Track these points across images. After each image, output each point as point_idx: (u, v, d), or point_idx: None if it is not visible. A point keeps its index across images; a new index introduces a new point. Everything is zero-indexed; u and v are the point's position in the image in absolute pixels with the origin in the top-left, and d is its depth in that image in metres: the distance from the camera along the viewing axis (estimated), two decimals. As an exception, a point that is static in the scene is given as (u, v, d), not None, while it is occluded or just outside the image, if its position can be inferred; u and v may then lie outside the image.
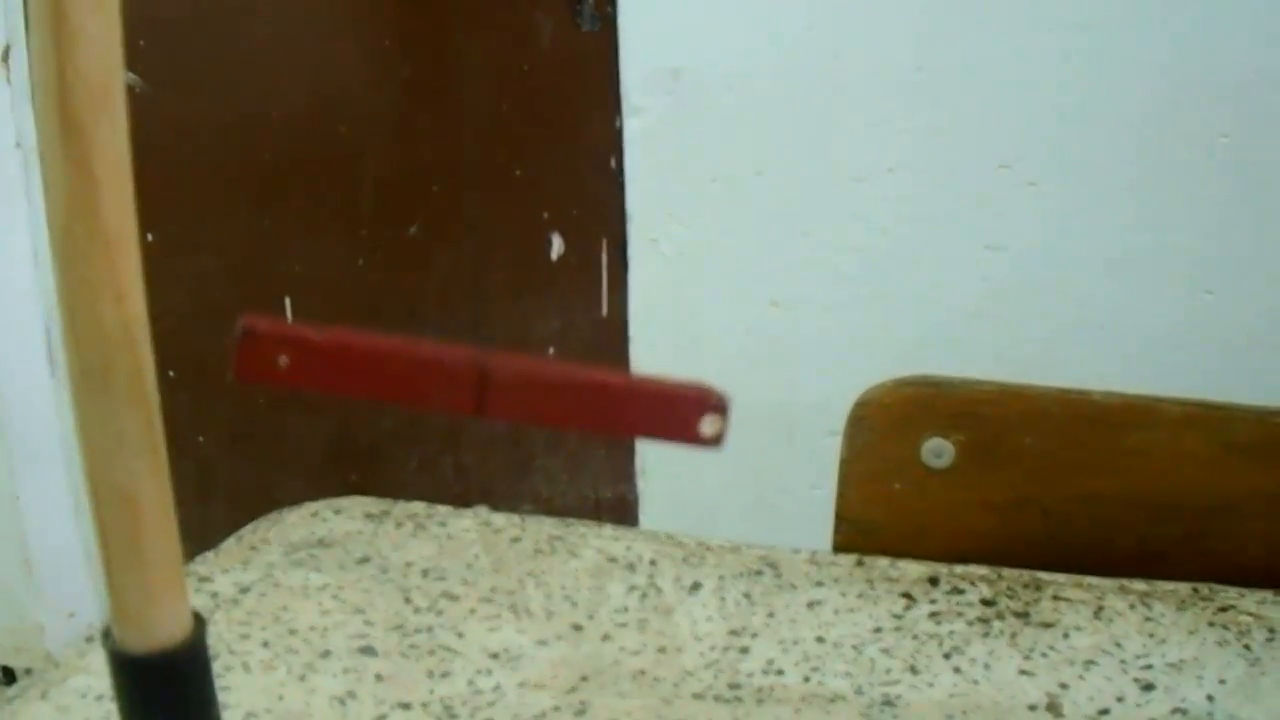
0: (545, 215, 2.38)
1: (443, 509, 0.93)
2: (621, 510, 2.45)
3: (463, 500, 2.40)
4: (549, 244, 2.39)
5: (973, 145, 1.94)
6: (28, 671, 2.48)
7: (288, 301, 2.34)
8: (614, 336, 2.38)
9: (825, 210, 2.03)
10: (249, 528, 0.92)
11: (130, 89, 1.81)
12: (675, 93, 2.07)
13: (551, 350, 2.43)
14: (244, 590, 0.82)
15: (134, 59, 2.21)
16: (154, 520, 0.44)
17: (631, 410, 0.39)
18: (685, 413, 0.39)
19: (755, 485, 2.09)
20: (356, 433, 2.46)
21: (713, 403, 0.39)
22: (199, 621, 0.47)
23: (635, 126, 2.13)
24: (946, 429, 0.88)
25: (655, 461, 2.27)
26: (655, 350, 2.25)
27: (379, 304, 2.41)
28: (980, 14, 1.90)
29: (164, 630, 0.46)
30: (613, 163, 2.32)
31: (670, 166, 2.12)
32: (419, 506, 0.93)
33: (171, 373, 2.22)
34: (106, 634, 0.47)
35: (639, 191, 2.16)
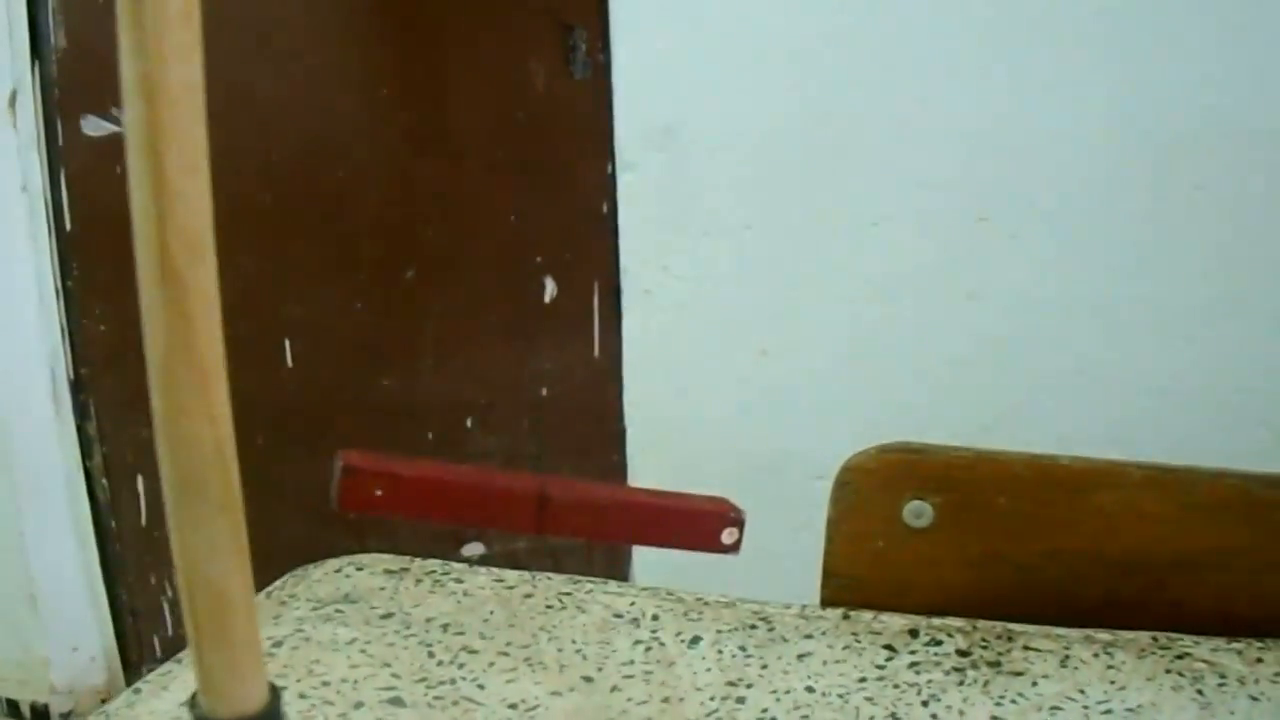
0: (538, 259, 2.44)
1: (457, 566, 1.00)
2: (613, 549, 2.51)
3: (458, 539, 2.45)
4: (542, 287, 2.44)
5: (954, 199, 2.00)
6: (33, 707, 2.51)
7: (287, 344, 2.39)
8: (606, 376, 2.43)
9: (813, 262, 2.09)
10: (278, 584, 0.99)
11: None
12: (667, 149, 2.12)
13: (545, 391, 2.48)
14: (277, 644, 0.89)
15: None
16: (239, 610, 0.51)
17: (665, 525, 0.46)
18: (709, 527, 0.46)
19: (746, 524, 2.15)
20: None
21: (731, 518, 0.46)
22: (274, 692, 0.54)
23: (629, 181, 2.18)
24: (926, 491, 0.95)
25: (647, 501, 2.32)
26: (649, 397, 2.30)
27: (376, 346, 2.46)
28: (964, 71, 1.96)
29: (246, 700, 0.52)
30: (604, 207, 2.37)
31: (663, 220, 2.18)
32: (436, 564, 1.00)
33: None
34: (194, 703, 0.53)
35: (632, 244, 2.21)
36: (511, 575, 0.98)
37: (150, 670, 2.39)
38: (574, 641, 0.89)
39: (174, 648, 2.56)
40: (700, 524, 0.46)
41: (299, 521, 2.44)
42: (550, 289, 2.44)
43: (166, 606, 2.54)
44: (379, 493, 0.45)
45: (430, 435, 2.50)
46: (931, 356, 2.07)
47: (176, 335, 0.48)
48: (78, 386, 2.40)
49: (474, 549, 2.49)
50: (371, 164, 2.42)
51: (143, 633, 2.55)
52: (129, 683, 2.56)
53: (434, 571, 0.99)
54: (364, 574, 0.99)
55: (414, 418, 2.49)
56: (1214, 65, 1.90)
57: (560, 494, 0.45)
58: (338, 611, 0.93)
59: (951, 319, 2.05)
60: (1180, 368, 1.99)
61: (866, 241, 2.05)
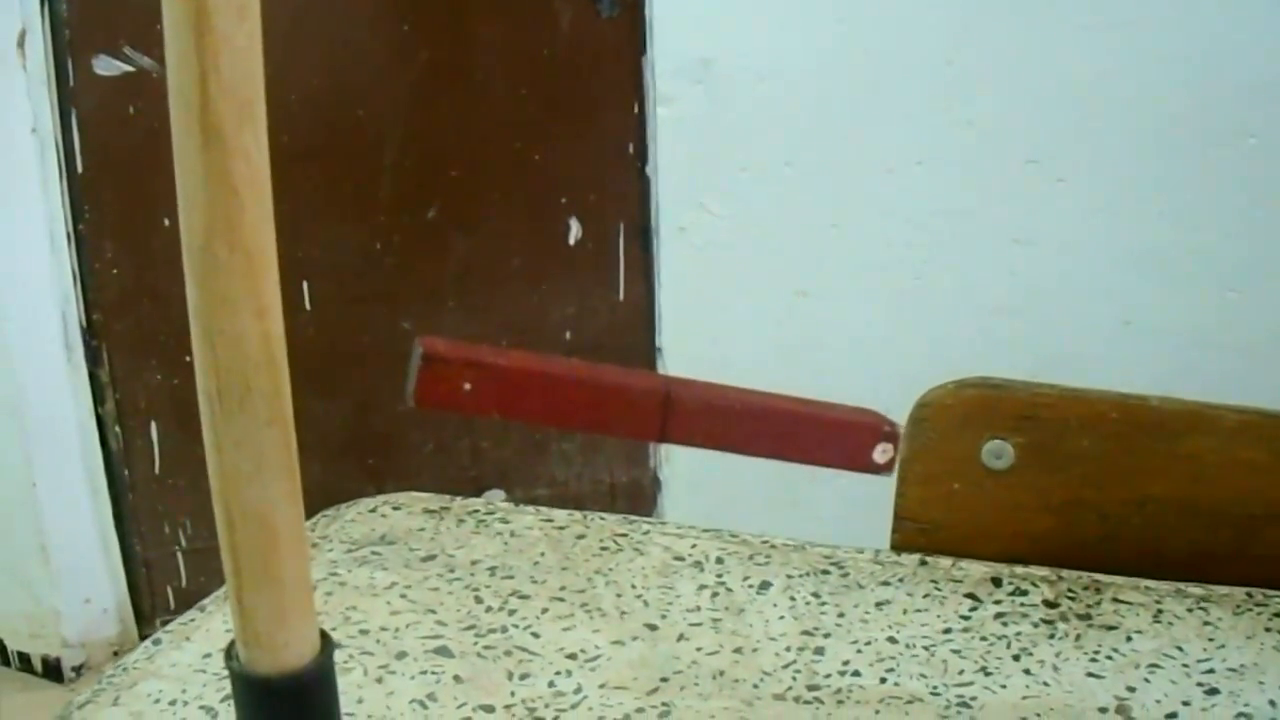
0: (563, 200, 2.39)
1: (502, 505, 0.93)
2: (638, 495, 2.46)
3: (479, 484, 2.41)
4: (567, 229, 2.39)
5: (1002, 140, 1.94)
6: (44, 660, 2.47)
7: (305, 286, 2.34)
8: (631, 321, 2.38)
9: (854, 202, 2.04)
10: (307, 525, 0.92)
11: (148, 73, 1.80)
12: (706, 82, 2.07)
13: (568, 334, 2.43)
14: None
15: (151, 43, 2.20)
16: (288, 542, 0.44)
17: (808, 436, 0.39)
18: (860, 440, 0.39)
19: (781, 473, 2.10)
20: (373, 418, 2.46)
21: (885, 431, 0.39)
22: (326, 641, 0.47)
23: (665, 115, 2.13)
24: (1007, 431, 0.88)
25: (676, 450, 2.28)
26: (684, 338, 2.26)
27: (396, 288, 2.42)
28: (1011, 9, 1.90)
29: (294, 652, 0.45)
30: (631, 148, 2.32)
31: (699, 156, 2.13)
32: (478, 503, 0.93)
33: (187, 358, 2.22)
34: (230, 654, 0.46)
35: (668, 180, 2.16)
36: (560, 515, 0.91)
37: (164, 622, 2.34)
38: (633, 586, 0.82)
39: (188, 599, 2.52)
40: (849, 436, 0.39)
41: (316, 467, 2.40)
42: (575, 231, 2.39)
43: (180, 557, 2.49)
44: (467, 386, 0.38)
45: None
46: (975, 302, 2.02)
47: (220, 211, 0.40)
48: (90, 332, 2.35)
49: (494, 495, 2.44)
50: (392, 102, 2.36)
51: (155, 584, 2.51)
52: (142, 636, 2.51)
53: (476, 511, 0.92)
54: (401, 514, 0.93)
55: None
56: (1272, 11, 1.84)
57: (687, 395, 0.38)
58: (374, 554, 0.87)
59: (997, 264, 2.00)
60: (1229, 318, 1.94)
61: (910, 181, 2.00)
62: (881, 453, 0.40)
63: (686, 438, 0.38)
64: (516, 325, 2.44)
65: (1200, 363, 1.93)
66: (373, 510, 0.94)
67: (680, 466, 2.33)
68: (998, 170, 1.96)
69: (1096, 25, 1.88)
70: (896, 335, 2.07)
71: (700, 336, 2.24)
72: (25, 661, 2.49)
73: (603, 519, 0.90)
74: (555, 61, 2.35)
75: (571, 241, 2.39)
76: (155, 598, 2.52)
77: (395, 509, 0.94)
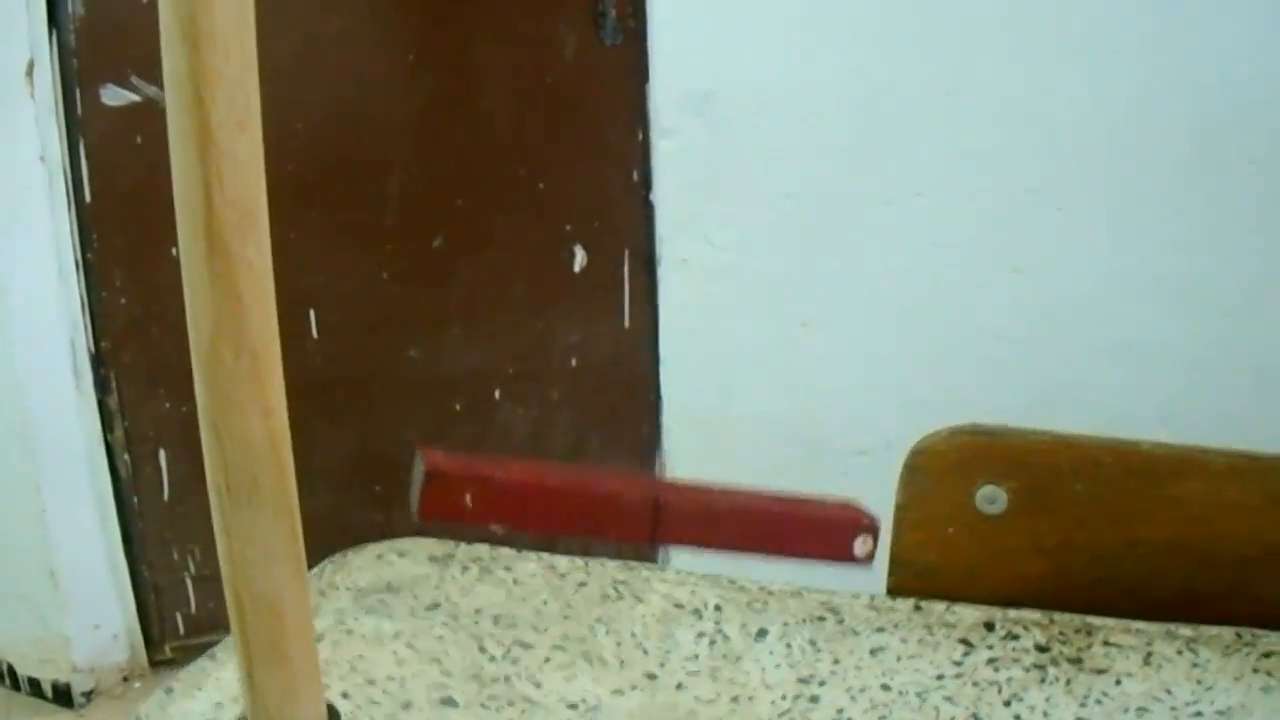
0: (568, 227, 2.40)
1: (505, 552, 0.95)
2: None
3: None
4: (572, 256, 2.40)
5: (1002, 170, 1.95)
6: (55, 685, 2.48)
7: (311, 314, 2.36)
8: (637, 347, 2.39)
9: (855, 233, 2.05)
10: (314, 571, 0.94)
11: (154, 102, 1.82)
12: (707, 114, 2.08)
13: (573, 361, 2.44)
14: (317, 639, 0.84)
15: (158, 74, 2.22)
16: (295, 624, 0.46)
17: (791, 533, 0.41)
18: (840, 534, 0.41)
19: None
20: (379, 445, 2.47)
21: (865, 524, 0.41)
22: (334, 715, 0.49)
23: (666, 147, 2.14)
24: (1000, 476, 0.90)
25: (682, 474, 2.29)
26: (686, 369, 2.27)
27: (402, 316, 2.43)
28: (1010, 39, 1.91)
29: (302, 725, 0.47)
30: (635, 175, 2.33)
31: (701, 187, 2.14)
32: (482, 549, 0.95)
33: (196, 384, 2.22)
34: (244, 728, 0.48)
35: (670, 212, 2.17)
36: (562, 562, 0.93)
37: (174, 649, 2.34)
38: (633, 634, 0.84)
39: (197, 626, 2.54)
40: (829, 532, 0.41)
41: (324, 495, 2.41)
42: (580, 258, 2.40)
43: (189, 583, 2.50)
44: (468, 500, 0.40)
45: (458, 406, 2.47)
46: (976, 331, 2.03)
47: (225, 317, 0.42)
48: (98, 360, 2.37)
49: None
50: (397, 131, 2.38)
51: (165, 610, 2.52)
52: (151, 661, 2.53)
53: (481, 558, 0.94)
54: (406, 560, 0.95)
55: (441, 388, 2.46)
56: (1271, 39, 1.85)
57: (675, 500, 0.40)
58: (380, 602, 0.89)
59: (997, 292, 2.01)
60: (1229, 345, 1.95)
61: (911, 212, 2.01)
62: (861, 545, 0.42)
63: (677, 539, 0.40)
64: (521, 353, 2.45)
65: (1201, 389, 1.94)
66: (379, 557, 0.95)
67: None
68: (998, 200, 1.97)
69: (1095, 54, 1.89)
70: (898, 365, 2.08)
71: (703, 367, 2.25)
72: (35, 687, 2.50)
73: (603, 565, 0.92)
74: (559, 89, 2.36)
75: (576, 269, 2.41)
76: (165, 624, 2.53)
77: (400, 555, 0.95)
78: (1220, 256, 1.93)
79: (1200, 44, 1.86)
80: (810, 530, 0.41)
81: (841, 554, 0.41)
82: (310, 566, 0.95)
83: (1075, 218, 1.95)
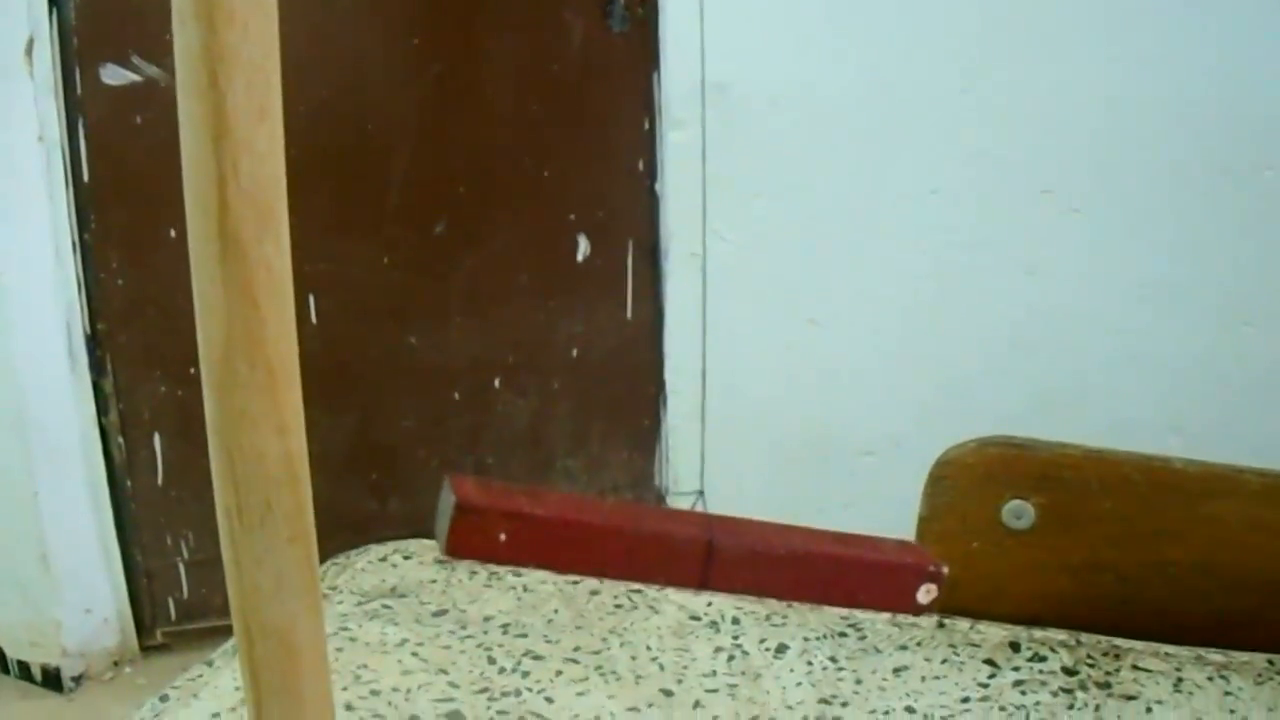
0: (572, 217, 2.38)
1: (514, 557, 0.92)
2: (643, 516, 2.45)
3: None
4: (575, 245, 2.38)
5: (1016, 170, 1.93)
6: (44, 669, 2.46)
7: (311, 300, 2.33)
8: (639, 339, 2.37)
9: (867, 230, 2.02)
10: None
11: (156, 82, 1.78)
12: (719, 106, 2.06)
13: (575, 351, 2.42)
14: (322, 643, 0.81)
15: (159, 52, 2.19)
16: (309, 659, 0.42)
17: (851, 580, 0.38)
18: (903, 582, 0.38)
19: (788, 501, 2.09)
20: (378, 433, 2.45)
21: (930, 572, 0.38)
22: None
23: (677, 139, 2.12)
24: (1028, 491, 0.87)
25: (685, 474, 2.27)
26: (692, 362, 2.24)
27: (403, 303, 2.41)
28: (1027, 39, 1.89)
29: (316, 770, 0.44)
30: (641, 165, 2.30)
31: (711, 181, 2.11)
32: (490, 554, 0.92)
33: (192, 370, 2.20)
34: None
35: (679, 205, 2.15)
36: (574, 570, 0.90)
37: (165, 634, 2.31)
38: (649, 648, 0.81)
39: (189, 611, 2.51)
40: (892, 579, 0.38)
41: (320, 483, 2.38)
42: (583, 248, 2.38)
43: (182, 568, 2.48)
44: (502, 538, 0.37)
45: (457, 395, 2.44)
46: (986, 332, 2.01)
47: (239, 324, 0.38)
48: (94, 342, 2.34)
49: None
50: (401, 116, 2.35)
51: (157, 595, 2.50)
52: (142, 646, 2.50)
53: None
54: (412, 563, 0.91)
55: (441, 377, 2.43)
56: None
57: (729, 542, 0.37)
58: (385, 607, 0.85)
59: (1009, 294, 1.98)
60: (1244, 354, 1.92)
61: (923, 210, 1.98)
62: (925, 593, 0.39)
63: (729, 585, 0.37)
64: (524, 342, 2.42)
65: (1213, 398, 1.92)
66: (383, 559, 0.92)
67: (685, 499, 2.32)
68: (1012, 200, 1.95)
69: (1114, 57, 1.87)
70: (907, 364, 2.05)
71: (709, 361, 2.22)
72: (25, 670, 2.47)
73: (617, 574, 0.89)
74: (565, 76, 2.34)
75: (580, 258, 2.38)
76: (156, 609, 2.51)
77: (406, 558, 0.92)
78: (1235, 263, 1.91)
79: (1221, 49, 1.84)
80: (871, 577, 0.38)
81: (904, 604, 0.39)
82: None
83: (1090, 220, 1.93)
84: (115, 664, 2.49)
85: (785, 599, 0.36)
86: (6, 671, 2.50)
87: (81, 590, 2.44)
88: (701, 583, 0.37)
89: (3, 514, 2.39)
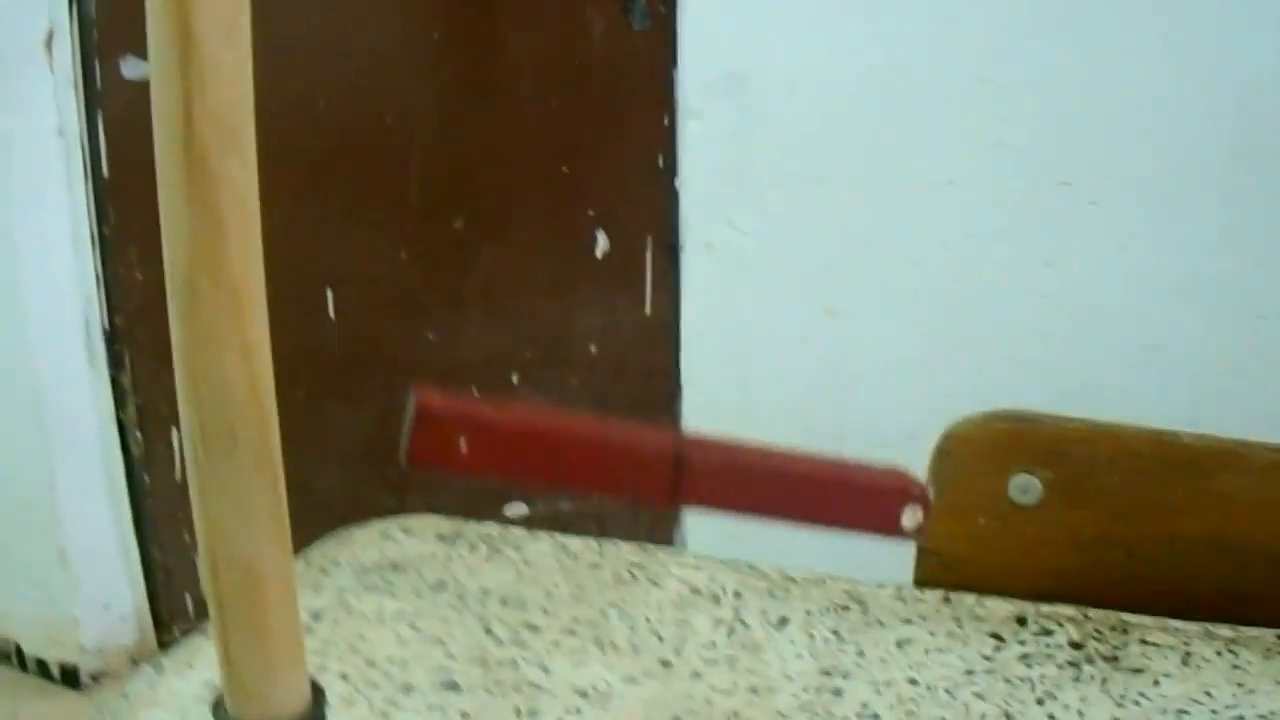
0: (591, 212, 2.37)
1: (516, 532, 0.91)
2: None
3: (500, 497, 2.39)
4: (594, 241, 2.37)
5: (1035, 161, 1.91)
6: (62, 666, 2.46)
7: (329, 294, 2.33)
8: (658, 335, 2.36)
9: (884, 221, 2.01)
10: (316, 548, 0.90)
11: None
12: (736, 96, 2.05)
13: (593, 347, 2.41)
14: (316, 617, 0.80)
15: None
16: (276, 591, 0.42)
17: (831, 500, 0.37)
18: (887, 504, 0.37)
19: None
20: (395, 428, 2.44)
21: (914, 493, 0.37)
22: (318, 693, 0.45)
23: (694, 130, 2.11)
24: (1035, 465, 0.86)
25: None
26: (707, 355, 2.23)
27: (421, 298, 2.40)
28: (1046, 29, 1.87)
29: (282, 704, 0.43)
30: (660, 161, 2.30)
31: (728, 171, 2.10)
32: (492, 528, 0.91)
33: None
34: (218, 706, 0.45)
35: (695, 195, 2.14)
36: (575, 543, 0.89)
37: (184, 630, 2.31)
38: (648, 620, 0.80)
39: (207, 608, 2.51)
40: (874, 500, 0.37)
41: (337, 478, 2.38)
42: (602, 243, 2.37)
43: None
44: (463, 445, 0.36)
45: (475, 390, 2.43)
46: (1004, 325, 1.99)
47: (203, 243, 0.38)
48: (112, 336, 2.34)
49: (516, 508, 2.42)
50: (420, 110, 2.35)
51: (175, 591, 2.49)
52: (160, 643, 2.50)
53: (490, 536, 0.90)
54: (412, 538, 0.91)
55: (458, 372, 2.43)
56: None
57: (700, 456, 0.36)
58: (384, 580, 0.85)
59: (1027, 287, 1.97)
60: (1262, 345, 1.90)
61: (941, 202, 1.97)
62: (909, 516, 0.38)
63: (699, 501, 0.36)
64: (542, 338, 2.42)
65: (1232, 390, 1.90)
66: (383, 534, 0.92)
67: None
68: (1030, 191, 1.93)
69: (1133, 47, 1.85)
70: (925, 357, 2.04)
71: (724, 355, 2.21)
72: (43, 668, 2.47)
73: (617, 546, 0.88)
74: (586, 72, 2.33)
75: (598, 254, 2.37)
76: (174, 605, 2.50)
77: (406, 533, 0.92)
78: (1257, 258, 1.89)
79: (1242, 39, 1.82)
80: (853, 497, 0.37)
81: (887, 526, 0.37)
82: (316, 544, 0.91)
83: (1109, 213, 1.91)
84: (133, 661, 2.49)
85: (760, 516, 0.35)
86: (25, 669, 2.50)
87: (100, 586, 2.43)
88: (671, 497, 0.36)
89: (20, 509, 2.39)
